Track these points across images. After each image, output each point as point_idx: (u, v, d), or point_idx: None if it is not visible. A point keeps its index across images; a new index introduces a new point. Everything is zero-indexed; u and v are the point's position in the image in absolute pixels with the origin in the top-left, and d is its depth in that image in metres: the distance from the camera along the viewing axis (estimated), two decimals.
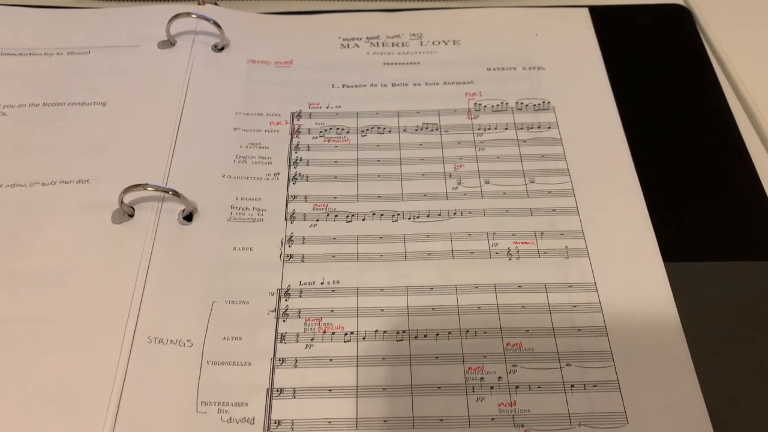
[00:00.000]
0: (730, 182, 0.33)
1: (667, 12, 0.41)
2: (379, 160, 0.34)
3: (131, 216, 0.31)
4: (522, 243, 0.32)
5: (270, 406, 0.27)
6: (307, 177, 0.34)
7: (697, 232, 0.32)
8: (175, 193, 0.31)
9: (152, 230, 0.31)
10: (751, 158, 0.34)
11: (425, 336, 0.29)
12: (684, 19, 0.41)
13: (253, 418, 0.26)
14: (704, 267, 0.31)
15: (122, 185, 0.31)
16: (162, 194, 0.31)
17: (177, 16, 0.37)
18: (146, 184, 0.31)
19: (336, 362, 0.28)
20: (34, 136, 0.34)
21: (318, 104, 0.37)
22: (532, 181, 0.34)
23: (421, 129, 0.36)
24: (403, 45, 0.40)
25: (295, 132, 0.35)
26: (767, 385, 0.27)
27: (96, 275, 0.29)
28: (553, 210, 0.33)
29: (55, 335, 0.28)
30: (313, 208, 0.32)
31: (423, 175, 0.34)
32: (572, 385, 0.27)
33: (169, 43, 0.38)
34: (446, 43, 0.40)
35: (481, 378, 0.27)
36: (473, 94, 0.37)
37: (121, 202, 0.31)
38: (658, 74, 0.38)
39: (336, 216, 0.32)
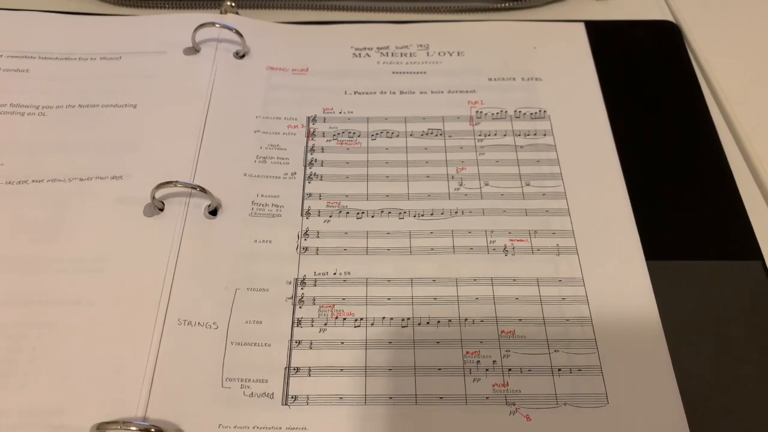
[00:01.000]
0: (710, 189, 0.36)
1: (657, 28, 0.44)
2: (387, 162, 0.37)
3: (161, 210, 0.34)
4: (517, 240, 0.34)
5: (288, 383, 0.30)
6: (322, 177, 0.36)
7: (677, 234, 0.35)
8: (202, 190, 0.34)
9: (181, 223, 0.34)
10: (729, 166, 0.37)
11: (428, 323, 0.32)
12: (673, 34, 0.43)
13: (273, 393, 0.29)
14: (682, 265, 0.33)
15: (153, 181, 0.33)
16: (190, 190, 0.34)
17: (202, 25, 0.40)
18: (176, 181, 0.34)
19: (347, 345, 0.31)
20: (72, 135, 0.37)
21: (332, 109, 0.39)
22: (528, 184, 0.37)
23: (427, 134, 0.39)
24: (410, 55, 0.42)
25: (310, 135, 0.38)
26: (736, 371, 0.30)
27: (130, 263, 0.32)
28: (546, 211, 0.35)
29: (93, 316, 0.31)
30: (327, 206, 0.35)
31: (428, 176, 0.37)
32: (559, 369, 0.30)
33: (194, 49, 0.41)
34: (451, 54, 0.42)
35: (478, 361, 0.30)
36: (475, 102, 0.40)
37: (153, 197, 0.34)
38: (647, 86, 0.41)
39: (347, 213, 0.35)
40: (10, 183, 0.35)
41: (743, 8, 0.45)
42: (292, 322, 0.31)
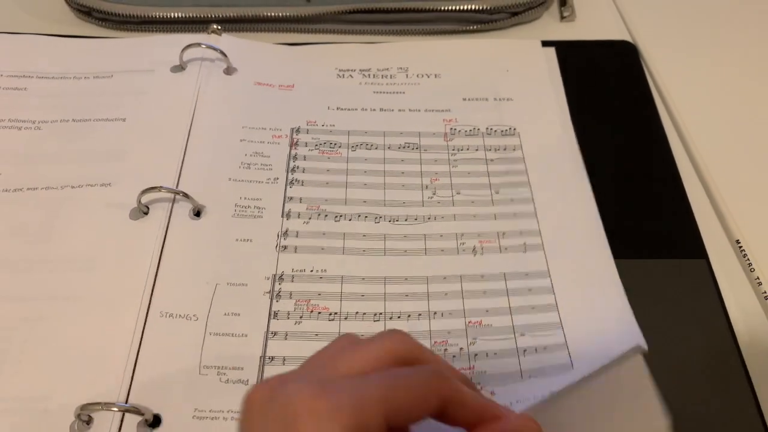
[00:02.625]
0: (662, 194, 0.39)
1: (616, 47, 0.47)
2: (365, 171, 0.40)
3: (146, 213, 0.36)
4: (486, 242, 0.36)
5: (262, 371, 0.31)
6: (303, 182, 0.39)
7: (633, 234, 0.37)
8: (185, 194, 0.36)
9: (164, 225, 0.36)
10: (680, 173, 0.40)
11: (399, 317, 0.33)
12: (630, 53, 0.47)
13: (248, 380, 0.31)
14: (636, 263, 0.35)
15: (139, 188, 0.36)
16: (173, 195, 0.37)
17: (189, 46, 0.43)
18: (160, 187, 0.36)
19: (321, 337, 0.33)
20: (65, 146, 0.39)
21: (315, 122, 0.42)
22: (497, 192, 0.39)
23: (404, 147, 0.41)
24: (391, 77, 0.45)
25: (293, 144, 0.41)
26: (679, 351, 0.32)
27: (117, 262, 0.34)
28: (514, 214, 0.38)
29: (81, 310, 0.32)
30: (307, 209, 0.37)
31: (403, 185, 0.39)
32: (525, 350, 0.32)
33: (180, 67, 0.43)
34: (428, 76, 0.45)
35: (445, 349, 0.32)
36: (450, 120, 0.42)
37: (139, 202, 0.36)
38: (608, 101, 0.43)
39: (326, 216, 0.37)
40: (7, 191, 0.37)
41: (697, 29, 0.48)
42: (269, 315, 0.33)
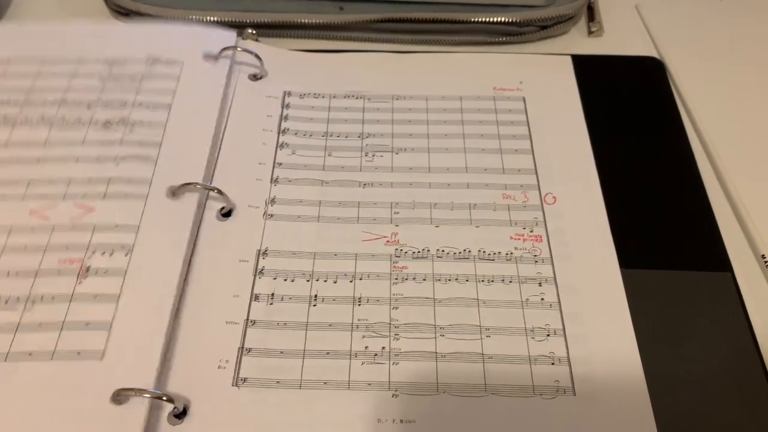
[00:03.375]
0: (687, 207, 0.39)
1: (642, 63, 0.47)
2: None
3: (177, 205, 0.37)
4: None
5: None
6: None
7: (653, 247, 0.37)
8: (220, 191, 0.37)
9: (198, 217, 0.37)
10: (705, 188, 0.40)
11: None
12: (657, 69, 0.47)
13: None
14: (655, 274, 0.36)
15: (175, 181, 0.37)
16: (207, 191, 0.38)
17: (225, 49, 0.44)
18: (196, 183, 0.37)
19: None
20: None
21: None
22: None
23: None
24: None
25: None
26: (702, 373, 0.32)
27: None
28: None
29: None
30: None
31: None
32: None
33: (213, 58, 0.44)
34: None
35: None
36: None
37: (173, 194, 0.37)
38: (630, 115, 0.44)
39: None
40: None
41: (724, 46, 0.49)
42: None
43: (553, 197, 0.39)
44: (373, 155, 0.42)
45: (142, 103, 0.42)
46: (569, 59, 0.47)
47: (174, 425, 0.30)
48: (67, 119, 0.41)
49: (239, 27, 0.48)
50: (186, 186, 0.37)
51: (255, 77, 0.45)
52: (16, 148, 0.39)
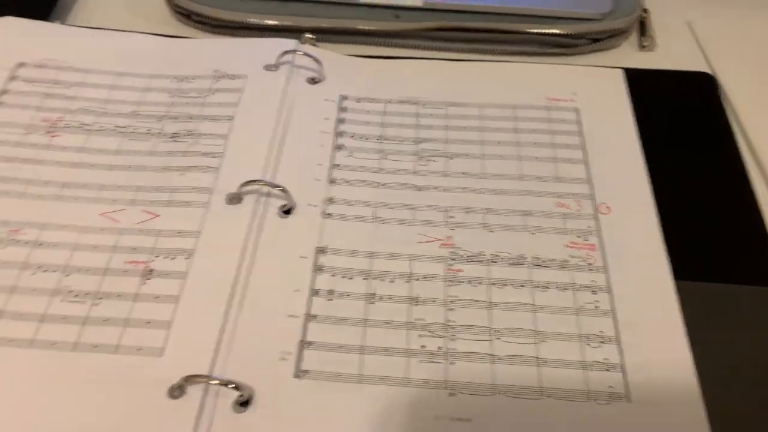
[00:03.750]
0: (740, 224, 0.39)
1: (694, 78, 0.48)
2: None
3: (240, 202, 0.39)
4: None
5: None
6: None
7: (703, 258, 0.38)
8: (283, 189, 0.38)
9: (259, 214, 0.38)
10: (759, 205, 0.40)
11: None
12: (709, 85, 0.47)
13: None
14: (706, 286, 0.37)
15: (238, 180, 0.38)
16: (269, 189, 0.39)
17: (287, 52, 0.46)
18: (261, 180, 0.38)
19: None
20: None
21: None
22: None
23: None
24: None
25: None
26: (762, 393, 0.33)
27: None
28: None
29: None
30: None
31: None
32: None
33: (274, 67, 0.46)
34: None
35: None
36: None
37: (237, 191, 0.38)
38: (685, 131, 0.44)
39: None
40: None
41: None
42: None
43: (607, 207, 0.40)
44: (428, 160, 0.42)
45: (207, 117, 0.43)
46: (621, 72, 0.47)
47: (239, 413, 0.31)
48: (139, 130, 0.43)
49: (297, 31, 0.49)
50: (247, 187, 0.38)
51: (313, 81, 0.46)
52: (91, 155, 0.41)
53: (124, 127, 0.43)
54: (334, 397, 0.32)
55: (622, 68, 0.48)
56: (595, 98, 0.46)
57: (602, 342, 0.34)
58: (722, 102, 0.46)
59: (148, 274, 0.35)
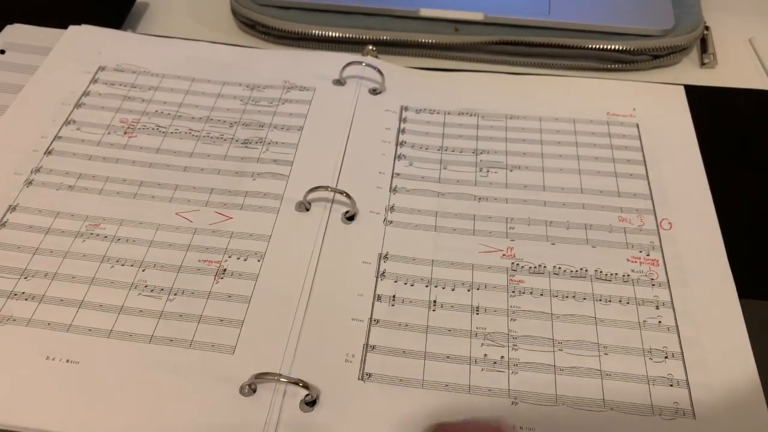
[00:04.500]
0: None
1: (756, 96, 0.47)
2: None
3: (308, 209, 0.40)
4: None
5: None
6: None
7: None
8: (347, 195, 0.39)
9: (325, 220, 0.39)
10: None
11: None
12: None
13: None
14: None
15: (305, 187, 0.40)
16: (334, 194, 0.40)
17: (350, 63, 0.47)
18: (327, 186, 0.40)
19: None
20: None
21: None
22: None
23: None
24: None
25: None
26: None
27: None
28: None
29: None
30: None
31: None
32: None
33: (340, 83, 0.47)
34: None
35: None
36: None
37: (305, 197, 0.39)
38: (746, 149, 0.44)
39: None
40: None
41: None
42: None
43: (669, 223, 0.40)
44: (488, 171, 0.43)
45: (278, 125, 0.45)
46: (682, 89, 0.47)
47: (306, 412, 0.32)
48: (212, 135, 0.44)
49: (360, 43, 0.51)
50: (315, 193, 0.40)
51: (374, 91, 0.47)
52: (167, 156, 0.43)
53: (198, 131, 0.44)
54: (397, 400, 0.33)
55: (684, 85, 0.48)
56: (656, 114, 0.46)
57: (666, 357, 0.34)
58: None
59: (222, 273, 0.37)
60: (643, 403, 0.32)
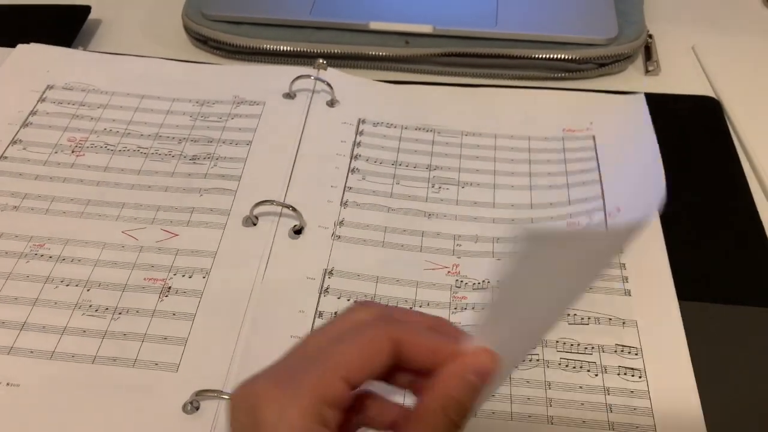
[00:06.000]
0: (745, 246, 0.40)
1: (698, 102, 0.49)
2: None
3: (255, 225, 0.40)
4: None
5: None
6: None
7: (711, 280, 0.38)
8: (294, 209, 0.40)
9: (272, 234, 0.40)
10: (763, 226, 0.41)
11: None
12: (714, 109, 0.48)
13: None
14: (710, 306, 0.37)
15: (253, 201, 0.40)
16: (281, 209, 0.40)
17: (299, 77, 0.47)
18: (273, 200, 0.40)
19: None
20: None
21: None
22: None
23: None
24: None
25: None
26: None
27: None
28: None
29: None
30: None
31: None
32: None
33: (290, 96, 0.48)
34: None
35: None
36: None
37: (251, 212, 0.40)
38: (690, 155, 0.45)
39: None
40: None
41: None
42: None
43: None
44: (440, 187, 0.43)
45: (226, 140, 0.45)
46: (642, 97, 0.47)
47: None
48: (161, 152, 0.44)
49: (311, 57, 0.51)
50: (261, 207, 0.40)
51: (331, 104, 0.48)
52: (115, 174, 0.43)
53: (147, 148, 0.44)
54: None
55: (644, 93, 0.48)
56: (615, 123, 0.46)
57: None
58: (727, 125, 0.47)
59: (167, 291, 0.37)
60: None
